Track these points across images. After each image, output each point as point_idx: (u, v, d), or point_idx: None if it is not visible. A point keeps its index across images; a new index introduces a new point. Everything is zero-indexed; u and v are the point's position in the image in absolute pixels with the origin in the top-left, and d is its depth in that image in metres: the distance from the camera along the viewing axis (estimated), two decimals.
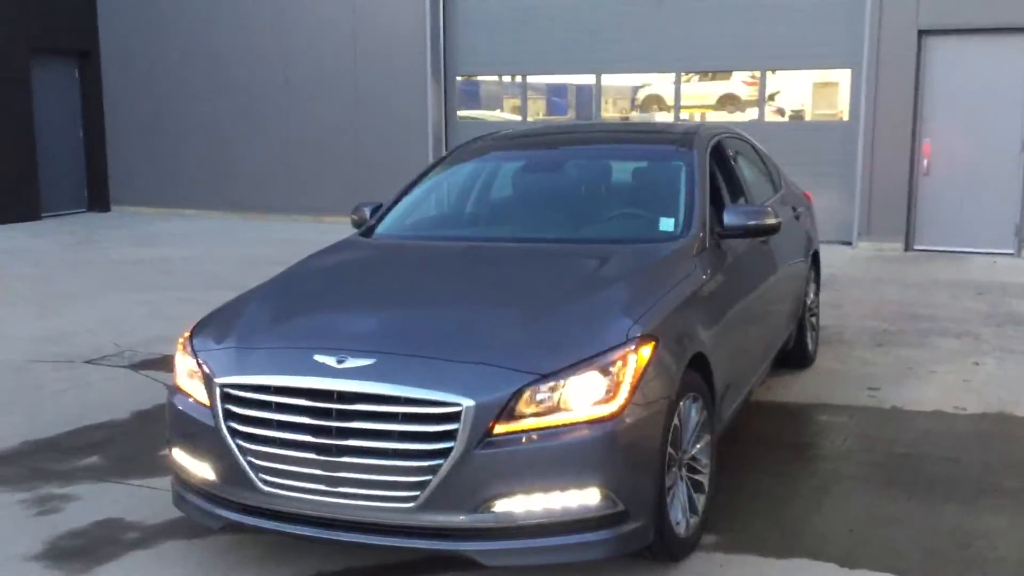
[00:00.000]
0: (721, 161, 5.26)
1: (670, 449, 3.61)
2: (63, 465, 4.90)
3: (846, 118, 11.66)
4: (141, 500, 4.43)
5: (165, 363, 6.45)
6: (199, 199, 14.95)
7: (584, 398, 3.36)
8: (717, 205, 4.76)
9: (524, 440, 3.30)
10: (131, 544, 4.00)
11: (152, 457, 4.89)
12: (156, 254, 11.53)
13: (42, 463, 4.93)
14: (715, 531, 4.01)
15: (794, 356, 6.30)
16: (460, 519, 3.32)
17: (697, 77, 12.78)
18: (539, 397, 3.33)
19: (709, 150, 5.06)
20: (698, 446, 3.91)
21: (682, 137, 5.33)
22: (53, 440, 5.27)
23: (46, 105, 14.71)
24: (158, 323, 7.81)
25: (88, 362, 6.80)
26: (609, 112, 13.24)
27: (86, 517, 4.26)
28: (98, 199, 15.57)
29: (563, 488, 3.32)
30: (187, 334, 3.97)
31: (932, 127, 11.14)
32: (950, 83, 11.00)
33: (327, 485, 3.40)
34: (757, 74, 12.12)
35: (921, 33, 10.91)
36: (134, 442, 5.22)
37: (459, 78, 13.66)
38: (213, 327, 3.95)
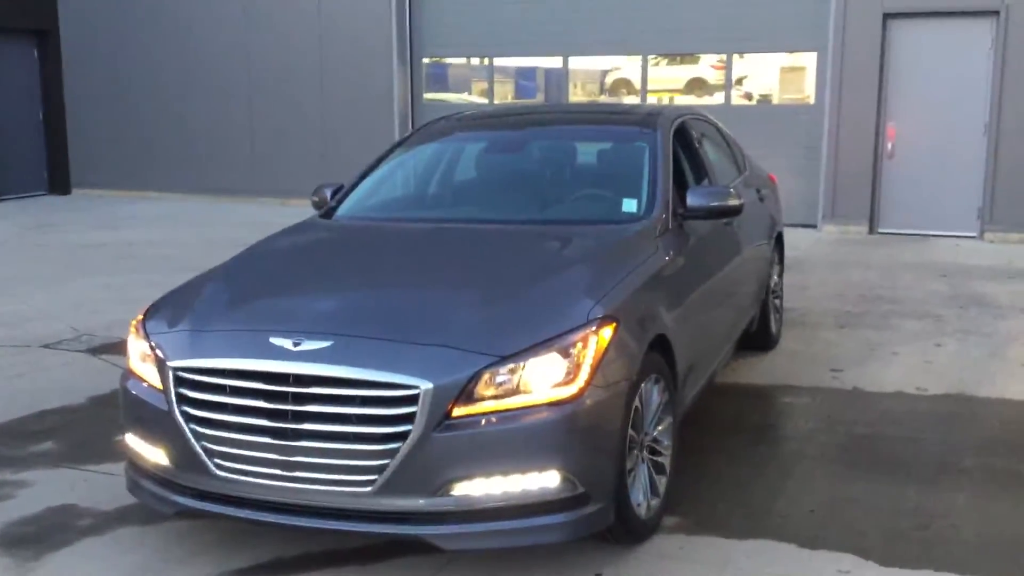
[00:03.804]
0: (685, 143, 5.23)
1: (631, 431, 3.59)
2: (17, 451, 4.80)
3: (812, 101, 11.69)
4: (95, 486, 4.35)
5: (124, 347, 6.34)
6: (162, 181, 14.74)
7: (544, 380, 3.32)
8: (680, 186, 4.73)
9: (483, 423, 3.26)
10: (84, 531, 3.93)
11: (108, 443, 4.80)
12: (118, 237, 11.36)
13: None
14: (677, 513, 4.00)
15: (758, 338, 6.30)
16: (419, 503, 3.28)
17: (665, 61, 12.75)
18: (498, 379, 3.29)
19: (673, 131, 5.03)
20: (660, 428, 3.89)
21: (645, 118, 5.29)
22: (7, 425, 5.16)
23: (3, 86, 14.44)
24: (118, 307, 7.68)
25: (45, 346, 6.68)
26: (577, 95, 13.18)
27: (39, 503, 4.18)
28: (58, 181, 15.32)
29: (523, 471, 3.28)
30: (140, 317, 3.90)
31: (897, 110, 11.19)
32: (915, 66, 11.05)
33: (283, 470, 3.34)
34: (724, 58, 12.11)
35: (886, 16, 10.94)
36: (90, 427, 5.13)
37: (426, 60, 13.55)
38: (167, 310, 3.88)
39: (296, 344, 3.38)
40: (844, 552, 3.71)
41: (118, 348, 6.46)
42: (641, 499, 3.71)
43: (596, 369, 3.37)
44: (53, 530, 3.94)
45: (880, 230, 11.37)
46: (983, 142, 10.83)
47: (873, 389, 5.70)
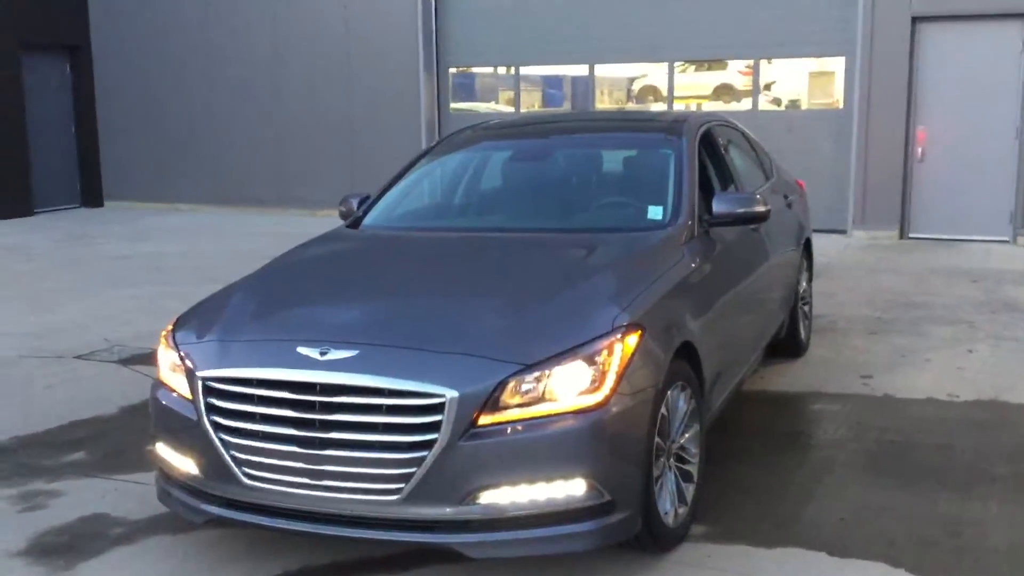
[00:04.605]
0: (711, 149, 5.21)
1: (658, 439, 3.58)
2: (50, 461, 4.86)
3: (841, 107, 11.61)
4: (127, 495, 4.40)
5: (154, 358, 6.40)
6: (193, 193, 14.90)
7: (569, 388, 3.32)
8: (706, 193, 4.72)
9: (509, 431, 3.26)
10: (115, 540, 3.97)
11: (139, 452, 4.84)
12: (149, 249, 11.48)
13: (29, 459, 4.90)
14: (704, 521, 3.98)
15: (787, 345, 6.27)
16: (445, 511, 3.29)
17: (692, 68, 12.72)
18: (524, 387, 3.29)
19: (698, 138, 5.02)
20: (687, 435, 3.88)
21: (671, 125, 5.29)
22: (41, 436, 5.23)
23: (37, 100, 14.65)
24: (149, 318, 7.76)
25: (78, 357, 6.77)
26: (604, 103, 13.18)
27: (71, 513, 4.23)
28: (91, 194, 15.52)
29: (549, 479, 3.28)
30: (169, 327, 3.94)
31: (926, 114, 11.10)
32: (944, 70, 10.96)
33: (311, 478, 3.36)
34: (752, 63, 12.06)
35: (915, 20, 10.87)
36: (121, 437, 5.19)
37: (452, 70, 13.60)
38: (195, 320, 3.92)
39: (323, 353, 3.40)
40: (874, 560, 3.68)
41: (149, 358, 6.53)
42: (668, 507, 3.69)
43: (622, 377, 3.37)
44: (85, 539, 3.98)
45: (911, 235, 11.27)
46: (1015, 146, 10.71)
47: (904, 396, 5.65)
